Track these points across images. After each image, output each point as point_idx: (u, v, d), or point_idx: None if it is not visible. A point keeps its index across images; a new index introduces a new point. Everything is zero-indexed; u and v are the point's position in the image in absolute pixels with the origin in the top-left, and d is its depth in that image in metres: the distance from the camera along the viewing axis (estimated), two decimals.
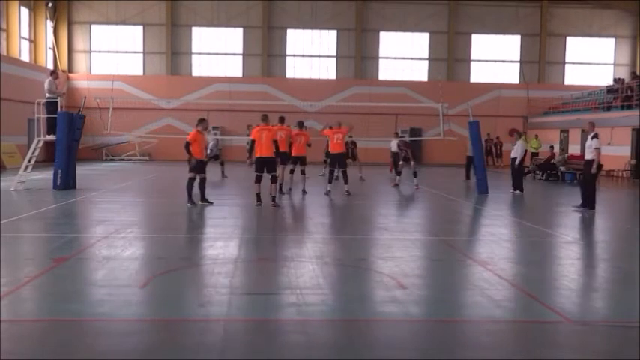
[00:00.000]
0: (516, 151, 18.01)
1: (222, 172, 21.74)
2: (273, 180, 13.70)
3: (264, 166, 13.52)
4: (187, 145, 13.37)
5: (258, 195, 13.52)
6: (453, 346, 5.02)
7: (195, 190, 13.56)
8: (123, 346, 4.84)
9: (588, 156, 13.61)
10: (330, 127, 17.27)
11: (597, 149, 13.38)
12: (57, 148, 16.86)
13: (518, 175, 18.17)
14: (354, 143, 22.04)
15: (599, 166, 13.66)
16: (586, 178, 13.80)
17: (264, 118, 13.89)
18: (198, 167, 13.50)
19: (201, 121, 13.71)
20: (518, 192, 17.78)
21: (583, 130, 30.04)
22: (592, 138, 13.48)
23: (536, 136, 31.66)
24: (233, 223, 11.65)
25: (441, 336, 5.26)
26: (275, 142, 14.58)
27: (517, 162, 17.85)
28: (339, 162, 16.63)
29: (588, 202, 13.56)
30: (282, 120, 16.23)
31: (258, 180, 13.55)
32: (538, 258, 8.70)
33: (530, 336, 5.24)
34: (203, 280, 6.87)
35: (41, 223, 11.39)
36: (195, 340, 4.89)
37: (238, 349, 4.81)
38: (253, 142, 14.19)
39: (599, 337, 5.34)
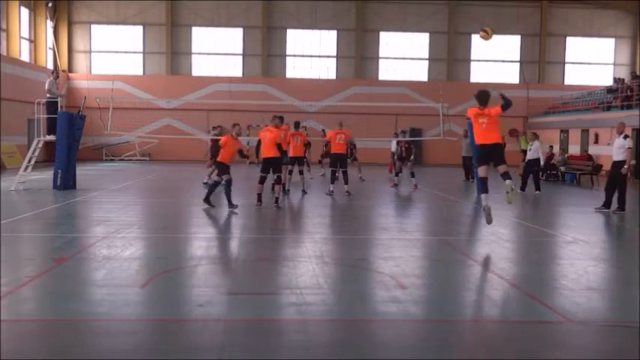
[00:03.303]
0: (535, 151, 17.96)
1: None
2: (278, 181, 13.46)
3: (270, 166, 13.30)
4: (217, 147, 12.91)
5: (259, 195, 13.39)
6: (453, 346, 5.02)
7: (205, 193, 13.35)
8: (123, 346, 4.84)
9: (618, 157, 13.33)
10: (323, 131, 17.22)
11: (630, 148, 13.28)
12: (57, 148, 16.86)
13: (536, 176, 18.14)
14: (353, 145, 22.06)
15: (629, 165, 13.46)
16: (614, 179, 13.46)
17: (275, 119, 13.75)
18: (223, 169, 13.09)
19: (234, 125, 13.32)
20: (521, 191, 17.78)
21: (583, 130, 30.22)
22: (624, 138, 13.37)
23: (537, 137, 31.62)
24: (233, 223, 11.65)
25: (441, 336, 5.25)
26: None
27: (542, 164, 17.73)
28: (341, 162, 16.66)
29: (619, 203, 13.38)
30: (281, 119, 16.21)
31: (262, 181, 13.40)
32: (538, 258, 8.70)
33: (530, 336, 5.23)
34: (203, 280, 6.87)
35: (41, 223, 11.39)
36: (195, 340, 4.89)
37: (238, 349, 4.81)
38: (258, 143, 14.10)
39: (599, 337, 5.34)
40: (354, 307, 5.96)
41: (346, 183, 16.73)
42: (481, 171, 9.70)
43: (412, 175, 18.78)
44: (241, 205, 14.60)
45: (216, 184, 13.31)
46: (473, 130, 9.95)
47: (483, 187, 9.67)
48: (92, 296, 6.27)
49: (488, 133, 9.44)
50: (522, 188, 18.02)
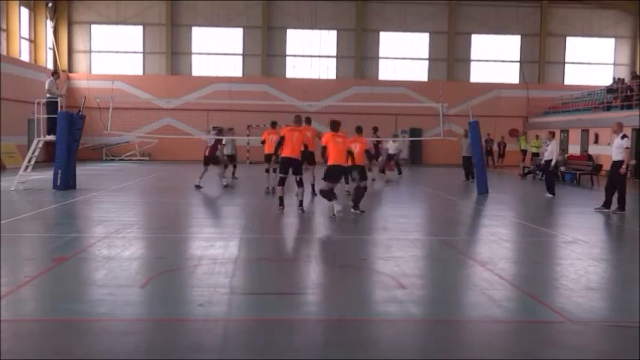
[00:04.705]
0: (551, 152, 17.29)
1: (233, 174, 21.73)
2: (300, 184, 12.63)
3: (290, 167, 12.59)
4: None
5: (281, 198, 12.64)
6: (453, 346, 5.02)
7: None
8: (123, 346, 4.84)
9: (617, 157, 13.33)
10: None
11: (628, 148, 13.29)
12: (57, 148, 16.86)
13: (550, 178, 17.47)
14: None
15: (628, 165, 13.48)
16: (613, 179, 13.45)
17: (298, 120, 13.13)
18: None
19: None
20: (550, 195, 17.04)
21: (583, 130, 30.22)
22: (622, 138, 13.38)
23: (537, 136, 31.66)
24: (233, 223, 11.65)
25: (441, 336, 5.25)
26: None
27: (553, 164, 17.06)
28: None
29: (619, 203, 13.38)
30: (274, 124, 16.50)
31: (282, 182, 12.67)
32: (538, 258, 8.70)
33: (530, 336, 5.23)
34: (203, 280, 6.87)
35: (41, 223, 11.39)
36: (195, 340, 4.89)
37: (238, 349, 4.81)
38: (281, 140, 13.80)
39: (599, 337, 5.34)
40: (354, 307, 5.95)
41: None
42: (327, 186, 11.54)
43: (382, 172, 18.45)
44: (242, 204, 14.61)
45: (365, 189, 12.51)
46: (328, 153, 11.52)
47: (331, 195, 11.55)
48: (92, 296, 6.26)
49: (342, 155, 11.40)
50: (552, 192, 17.07)
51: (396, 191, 18.42)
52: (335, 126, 11.80)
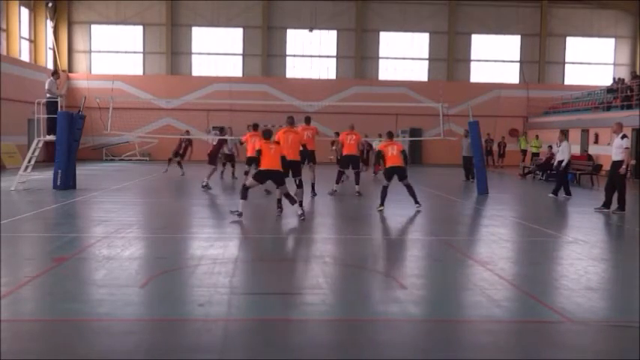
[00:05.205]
0: (563, 152, 17.02)
1: (233, 173, 21.75)
2: (299, 185, 12.64)
3: (289, 168, 12.47)
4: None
5: (279, 200, 12.45)
6: (453, 346, 5.02)
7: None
8: (123, 346, 4.84)
9: (617, 157, 13.35)
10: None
11: (628, 148, 13.32)
12: (57, 148, 16.86)
13: (563, 179, 17.12)
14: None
15: (628, 165, 13.53)
16: (613, 179, 13.45)
17: (291, 121, 13.27)
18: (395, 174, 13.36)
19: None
20: (567, 196, 16.77)
21: (583, 130, 30.22)
22: (622, 138, 13.40)
23: (537, 136, 31.69)
24: (233, 223, 11.64)
25: (441, 336, 5.25)
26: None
27: (564, 164, 16.81)
28: (353, 163, 16.59)
29: (619, 203, 13.38)
30: (255, 126, 16.47)
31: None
32: (538, 258, 8.70)
33: (530, 336, 5.23)
34: (203, 280, 6.87)
35: (41, 223, 11.39)
36: (195, 341, 4.89)
37: (238, 349, 4.81)
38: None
39: (599, 337, 5.34)
40: (355, 307, 5.95)
41: (357, 183, 16.70)
42: (251, 184, 11.76)
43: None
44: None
45: (409, 186, 13.57)
46: (261, 158, 11.59)
47: (245, 194, 11.73)
48: (92, 296, 6.27)
49: (274, 161, 11.43)
50: (568, 192, 16.89)
51: (396, 191, 18.40)
52: (267, 134, 11.87)
